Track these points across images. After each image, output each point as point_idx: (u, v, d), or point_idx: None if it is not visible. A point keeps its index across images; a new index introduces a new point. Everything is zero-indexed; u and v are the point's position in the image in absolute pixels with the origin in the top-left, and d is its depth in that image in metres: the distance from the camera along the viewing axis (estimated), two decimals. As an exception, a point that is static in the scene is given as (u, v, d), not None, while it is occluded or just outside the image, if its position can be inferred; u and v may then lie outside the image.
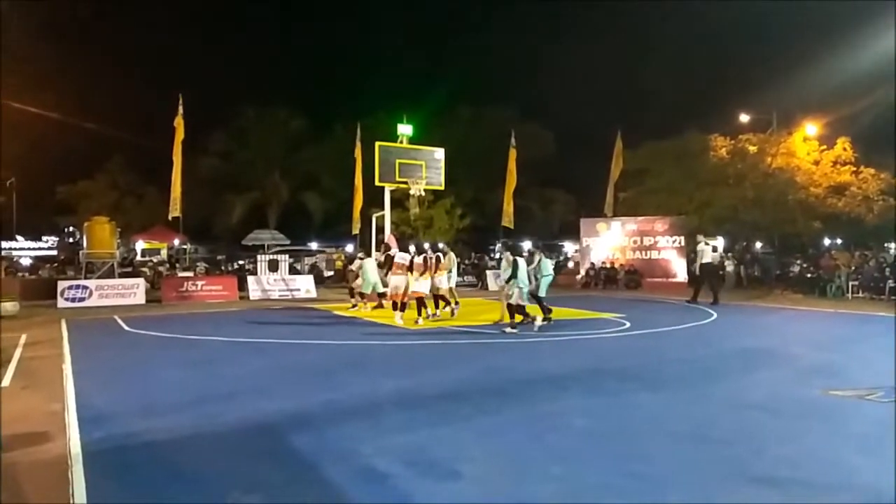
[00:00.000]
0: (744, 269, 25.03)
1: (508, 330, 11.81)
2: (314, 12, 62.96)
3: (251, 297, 20.24)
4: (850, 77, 23.40)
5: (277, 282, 21.21)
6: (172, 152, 21.17)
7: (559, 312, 14.96)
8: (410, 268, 13.17)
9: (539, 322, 12.17)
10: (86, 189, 39.03)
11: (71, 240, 43.90)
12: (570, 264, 30.78)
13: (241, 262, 28.71)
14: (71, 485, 4.31)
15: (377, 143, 19.92)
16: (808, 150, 25.28)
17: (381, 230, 21.12)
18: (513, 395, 6.96)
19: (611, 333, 12.05)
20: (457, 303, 14.50)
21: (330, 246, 37.73)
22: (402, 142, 20.70)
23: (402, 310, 13.54)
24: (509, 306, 12.05)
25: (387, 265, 13.86)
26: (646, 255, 26.09)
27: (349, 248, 33.37)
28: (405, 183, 19.88)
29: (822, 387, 7.21)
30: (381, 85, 43.82)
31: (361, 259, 16.92)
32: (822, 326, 14.04)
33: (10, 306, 15.38)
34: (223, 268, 28.81)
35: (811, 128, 25.59)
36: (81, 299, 18.24)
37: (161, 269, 25.85)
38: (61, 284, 18.59)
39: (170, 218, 22.57)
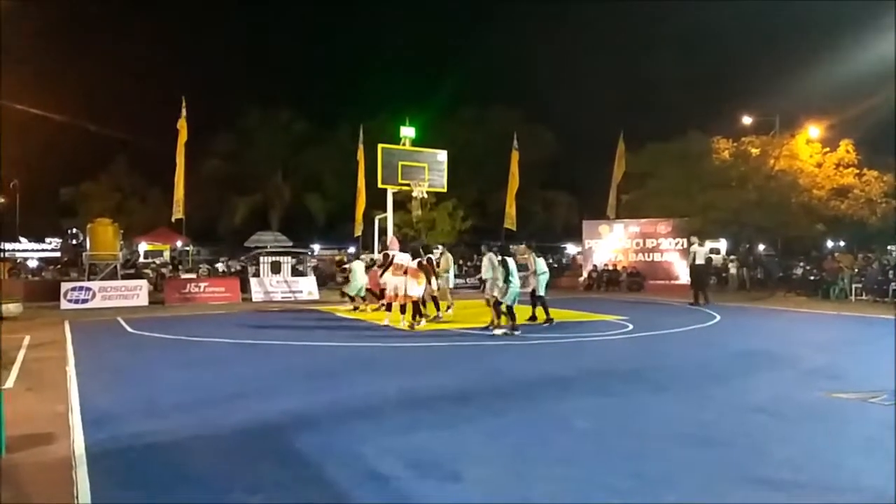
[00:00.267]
0: (747, 272, 24.99)
1: (497, 332, 11.59)
2: (317, 14, 63.11)
3: (254, 299, 20.26)
4: (854, 79, 23.40)
5: (280, 284, 21.23)
6: (176, 154, 21.24)
7: (562, 314, 14.97)
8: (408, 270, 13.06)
9: (501, 330, 11.66)
10: (89, 191, 39.17)
11: (74, 241, 43.95)
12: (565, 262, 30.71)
13: (242, 263, 28.71)
14: (75, 486, 4.33)
15: (380, 146, 19.96)
16: (811, 152, 25.24)
17: (383, 232, 21.15)
18: (516, 397, 6.97)
19: (613, 335, 12.04)
20: (448, 307, 14.52)
21: (332, 248, 37.78)
22: (404, 144, 20.74)
23: (396, 311, 13.48)
24: (496, 307, 11.77)
25: (385, 266, 13.81)
26: (648, 257, 26.08)
27: (351, 249, 33.42)
28: (408, 185, 19.92)
29: (825, 389, 7.20)
30: (383, 87, 43.86)
31: (350, 261, 17.10)
32: (825, 329, 14.03)
33: (13, 308, 15.43)
34: (227, 267, 28.82)
35: (814, 130, 25.55)
36: (84, 301, 18.29)
37: (164, 270, 25.90)
38: (64, 286, 18.65)
39: (173, 220, 22.64)
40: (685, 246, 24.67)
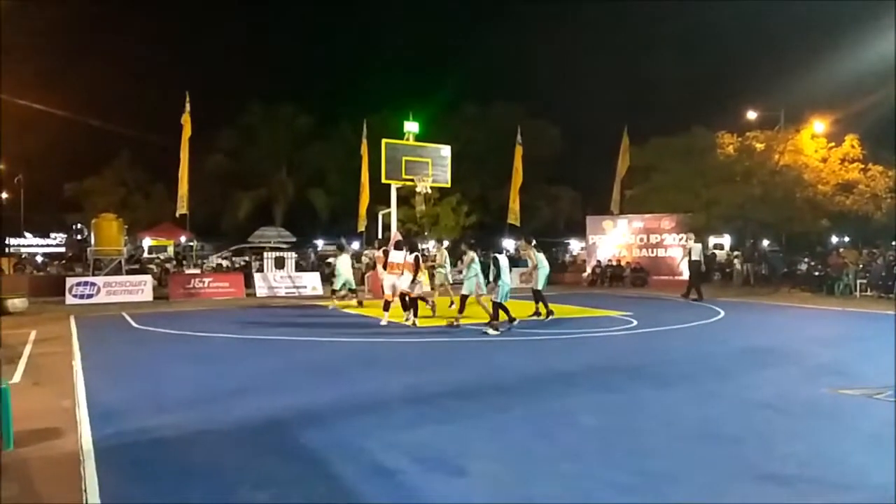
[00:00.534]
0: (751, 267, 24.95)
1: (490, 332, 11.26)
2: (317, 14, 63.02)
3: (258, 295, 20.31)
4: (859, 74, 23.28)
5: (284, 279, 21.29)
6: (180, 149, 21.26)
7: (566, 310, 14.98)
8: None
9: (491, 329, 11.38)
10: (93, 186, 39.27)
11: (79, 237, 44.09)
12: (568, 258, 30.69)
13: (245, 259, 28.77)
14: (83, 481, 4.35)
15: (383, 141, 19.91)
16: (816, 147, 25.13)
17: (387, 227, 21.14)
18: (520, 393, 6.98)
19: (618, 331, 12.04)
20: (451, 303, 14.62)
21: (336, 243, 37.74)
22: (408, 139, 20.69)
23: (398, 308, 13.48)
24: (495, 307, 11.53)
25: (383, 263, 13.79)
26: (652, 252, 26.05)
27: (355, 245, 33.42)
28: (411, 180, 19.88)
29: (830, 385, 7.19)
30: (387, 82, 43.88)
31: (337, 255, 17.44)
32: (829, 325, 14.00)
33: (19, 303, 15.51)
34: (231, 263, 28.87)
35: (819, 125, 25.42)
36: (89, 296, 18.35)
37: (168, 265, 25.97)
38: (69, 281, 18.72)
39: (177, 215, 22.69)
40: (686, 242, 24.69)
